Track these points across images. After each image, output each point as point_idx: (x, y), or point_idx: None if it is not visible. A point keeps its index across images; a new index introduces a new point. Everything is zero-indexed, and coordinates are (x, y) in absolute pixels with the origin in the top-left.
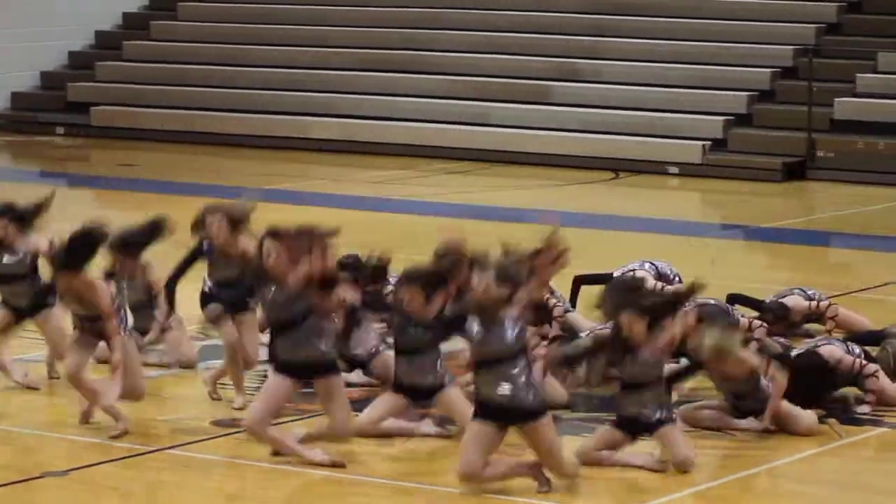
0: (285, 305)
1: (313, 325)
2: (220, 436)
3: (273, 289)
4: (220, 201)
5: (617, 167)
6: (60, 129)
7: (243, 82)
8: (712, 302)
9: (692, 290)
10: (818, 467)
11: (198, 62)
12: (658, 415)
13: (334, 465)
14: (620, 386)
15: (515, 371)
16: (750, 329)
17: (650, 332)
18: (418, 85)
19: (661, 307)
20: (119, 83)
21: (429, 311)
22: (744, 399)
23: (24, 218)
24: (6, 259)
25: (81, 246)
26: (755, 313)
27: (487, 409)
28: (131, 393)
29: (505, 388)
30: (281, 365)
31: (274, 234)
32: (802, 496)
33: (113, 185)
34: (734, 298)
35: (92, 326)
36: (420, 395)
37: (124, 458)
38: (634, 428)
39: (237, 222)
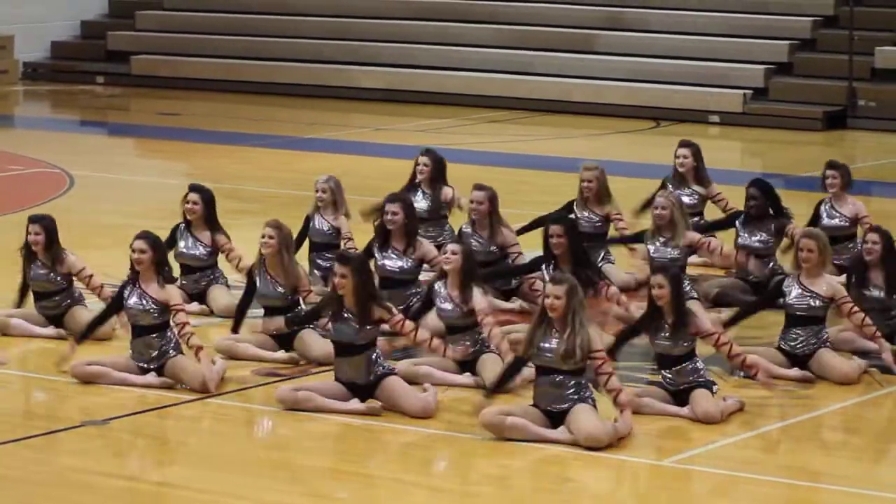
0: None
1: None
2: (259, 385)
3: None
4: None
5: (658, 116)
6: (100, 79)
7: (287, 31)
8: None
9: None
10: (859, 417)
11: (240, 10)
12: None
13: (370, 412)
14: None
15: None
16: None
17: None
18: (463, 34)
19: None
20: (159, 32)
21: None
22: None
23: None
24: None
25: None
26: None
27: None
28: None
29: None
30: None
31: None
32: (843, 445)
33: (153, 134)
34: None
35: None
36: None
37: (164, 406)
38: None
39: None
